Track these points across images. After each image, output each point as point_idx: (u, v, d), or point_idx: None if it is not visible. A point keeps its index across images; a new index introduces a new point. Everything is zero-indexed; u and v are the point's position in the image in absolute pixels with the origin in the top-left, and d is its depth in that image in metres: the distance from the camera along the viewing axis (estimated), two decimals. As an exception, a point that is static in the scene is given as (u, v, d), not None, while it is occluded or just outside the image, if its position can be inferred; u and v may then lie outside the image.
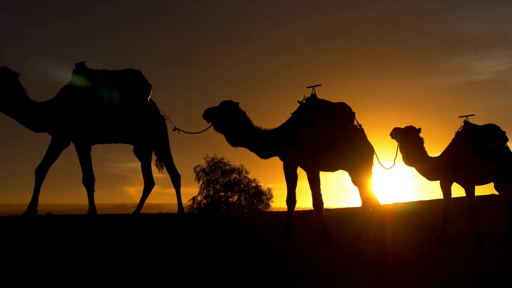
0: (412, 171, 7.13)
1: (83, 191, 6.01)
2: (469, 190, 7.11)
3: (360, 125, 6.39)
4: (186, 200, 25.49)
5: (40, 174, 5.86)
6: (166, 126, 6.40)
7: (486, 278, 5.48)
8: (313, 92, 6.22)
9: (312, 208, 6.12)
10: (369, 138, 6.71)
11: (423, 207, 9.48)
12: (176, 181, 6.50)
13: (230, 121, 5.71)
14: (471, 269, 5.76)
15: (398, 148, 6.91)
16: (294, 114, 6.13)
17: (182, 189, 6.53)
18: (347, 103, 6.31)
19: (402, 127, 6.99)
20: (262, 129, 5.90)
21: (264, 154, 6.03)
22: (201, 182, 24.91)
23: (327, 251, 5.76)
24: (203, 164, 25.12)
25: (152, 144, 6.35)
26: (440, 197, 7.46)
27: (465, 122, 7.31)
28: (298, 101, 6.17)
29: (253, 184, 25.20)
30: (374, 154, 6.48)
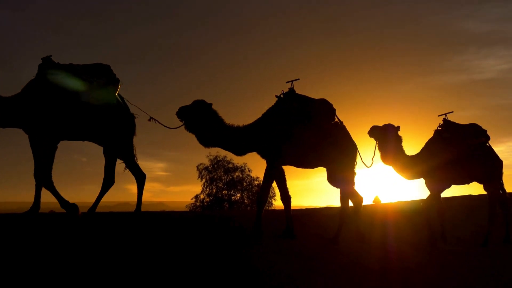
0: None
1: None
2: (436, 191, 7.03)
3: (342, 122, 6.30)
4: (189, 198, 25.58)
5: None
6: (134, 124, 6.21)
7: (489, 276, 5.48)
8: (292, 87, 6.14)
9: (313, 207, 6.12)
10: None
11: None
12: (107, 184, 6.14)
13: (202, 121, 5.66)
14: (473, 268, 5.77)
15: (376, 147, 6.79)
16: (271, 108, 6.05)
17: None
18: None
19: (395, 125, 6.85)
20: (235, 126, 5.83)
21: (240, 151, 5.97)
22: (204, 180, 24.96)
23: (329, 249, 5.77)
24: (206, 162, 25.17)
25: (124, 140, 6.13)
26: (443, 196, 7.44)
27: (444, 120, 7.22)
28: (276, 96, 6.10)
29: (256, 182, 25.21)
30: (357, 152, 6.37)
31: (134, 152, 6.29)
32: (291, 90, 6.12)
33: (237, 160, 25.47)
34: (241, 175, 25.08)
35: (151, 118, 6.03)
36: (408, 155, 6.91)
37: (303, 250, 5.49)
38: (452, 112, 7.24)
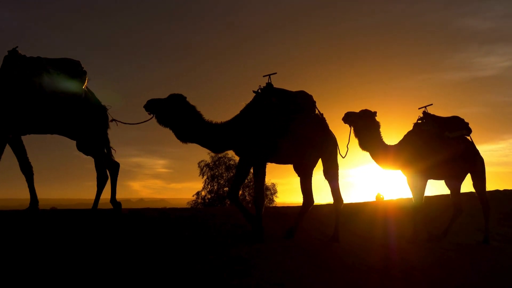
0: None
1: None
2: (419, 185, 6.81)
3: (322, 114, 6.20)
4: (190, 195, 25.61)
5: (27, 171, 5.74)
6: (107, 117, 6.03)
7: (488, 272, 5.48)
8: (269, 81, 6.01)
9: (315, 203, 6.08)
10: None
11: (427, 203, 9.45)
12: (101, 180, 6.03)
13: (179, 115, 5.47)
14: (474, 264, 5.76)
15: (352, 133, 6.60)
16: (250, 105, 5.89)
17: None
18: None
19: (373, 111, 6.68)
20: (214, 122, 5.67)
21: (218, 148, 5.84)
22: (205, 177, 25.02)
23: (331, 246, 5.76)
24: (207, 159, 25.21)
25: (94, 133, 5.96)
26: (443, 193, 7.39)
27: (424, 113, 7.08)
28: (254, 91, 5.96)
29: (257, 179, 25.13)
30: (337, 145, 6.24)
31: (110, 145, 6.14)
32: (269, 84, 5.99)
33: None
34: (242, 172, 25.11)
35: (113, 119, 5.92)
36: (386, 144, 6.76)
37: (305, 247, 5.47)
38: (432, 104, 7.13)
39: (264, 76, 6.08)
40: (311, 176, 6.18)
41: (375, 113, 6.67)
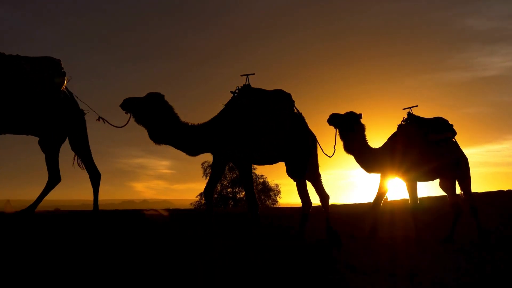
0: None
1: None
2: (410, 187, 6.72)
3: (301, 113, 6.14)
4: (193, 196, 25.62)
5: None
6: (84, 120, 5.97)
7: (490, 273, 5.46)
8: (247, 82, 5.96)
9: (317, 204, 6.08)
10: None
11: (431, 203, 9.46)
12: (95, 180, 6.01)
13: (156, 115, 5.39)
14: (475, 264, 5.74)
15: (337, 135, 6.52)
16: (227, 105, 5.86)
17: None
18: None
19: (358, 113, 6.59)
20: (190, 124, 5.61)
21: (194, 151, 5.79)
22: (208, 178, 25.04)
23: (333, 247, 5.75)
24: (211, 160, 25.22)
25: (59, 136, 5.87)
26: (442, 195, 7.35)
27: (409, 114, 7.00)
28: (231, 92, 5.92)
29: (261, 180, 25.21)
30: (317, 144, 6.21)
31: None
32: (246, 85, 5.94)
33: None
34: (245, 173, 25.13)
35: (99, 117, 5.83)
36: (370, 147, 6.68)
37: (306, 247, 5.47)
38: (417, 106, 7.05)
39: (242, 75, 6.04)
40: (305, 179, 6.15)
41: (360, 115, 6.58)
